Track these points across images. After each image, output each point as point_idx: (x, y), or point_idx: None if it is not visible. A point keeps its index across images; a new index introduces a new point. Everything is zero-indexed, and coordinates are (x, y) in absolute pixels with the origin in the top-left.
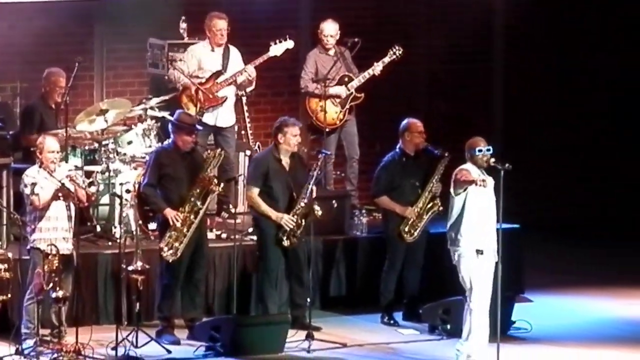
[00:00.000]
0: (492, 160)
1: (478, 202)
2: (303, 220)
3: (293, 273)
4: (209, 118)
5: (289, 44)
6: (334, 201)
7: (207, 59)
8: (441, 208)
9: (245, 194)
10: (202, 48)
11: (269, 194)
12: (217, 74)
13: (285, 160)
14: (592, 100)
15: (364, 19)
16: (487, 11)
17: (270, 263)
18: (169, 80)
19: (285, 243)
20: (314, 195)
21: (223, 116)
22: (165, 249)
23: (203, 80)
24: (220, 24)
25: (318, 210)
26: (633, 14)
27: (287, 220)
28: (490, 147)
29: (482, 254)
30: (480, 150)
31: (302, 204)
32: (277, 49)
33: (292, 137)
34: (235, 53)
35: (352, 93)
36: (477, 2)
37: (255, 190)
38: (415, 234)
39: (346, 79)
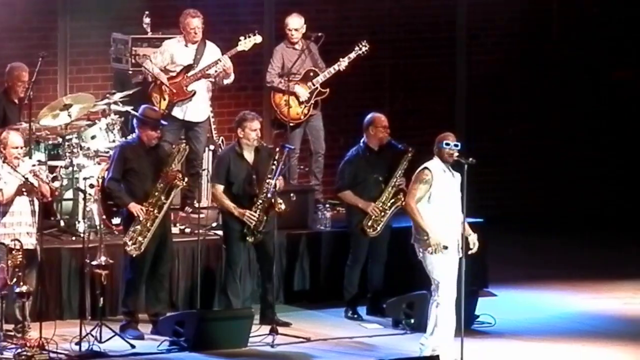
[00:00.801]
0: (456, 154)
1: (442, 197)
2: (265, 216)
3: (264, 269)
4: (177, 112)
5: (257, 38)
6: (292, 194)
7: (179, 53)
8: (404, 202)
9: (210, 191)
10: (177, 43)
11: (230, 190)
12: (188, 68)
13: (249, 156)
14: (555, 92)
15: (327, 13)
16: (450, 5)
17: (234, 257)
18: (139, 72)
19: (250, 239)
20: (278, 189)
21: (193, 111)
22: (129, 243)
23: (174, 74)
24: (194, 22)
25: (281, 204)
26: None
27: (248, 215)
28: (459, 143)
29: (446, 249)
30: (447, 144)
31: (263, 199)
32: (245, 43)
33: (250, 132)
34: (211, 48)
35: (317, 88)
36: None
37: (219, 187)
38: (379, 228)
39: (311, 74)
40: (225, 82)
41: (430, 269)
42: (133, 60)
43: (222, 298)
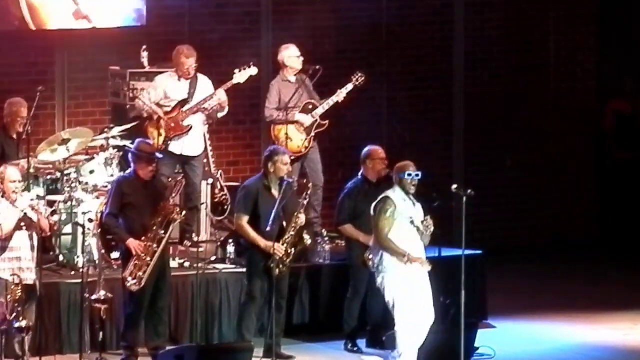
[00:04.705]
0: (454, 186)
1: (403, 225)
2: (292, 249)
3: (276, 302)
4: (175, 147)
5: (253, 71)
6: (317, 230)
7: (173, 88)
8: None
9: (235, 222)
10: (169, 78)
11: (257, 223)
12: (183, 102)
13: (275, 189)
14: (553, 123)
15: (324, 46)
16: (447, 37)
17: (254, 292)
18: (134, 108)
19: (275, 272)
20: (303, 223)
21: (190, 145)
22: (130, 278)
23: (169, 109)
24: (189, 62)
25: (308, 239)
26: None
27: (277, 248)
28: (419, 173)
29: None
30: (409, 175)
31: (292, 233)
32: (241, 76)
33: (282, 166)
34: (204, 81)
35: (316, 121)
36: (437, 28)
37: (245, 219)
38: None
39: (310, 107)
40: (220, 115)
41: (389, 296)
42: (131, 95)
43: (230, 332)
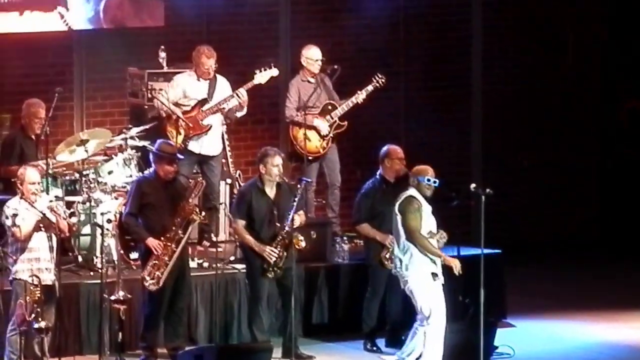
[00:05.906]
0: (473, 186)
1: (428, 224)
2: (285, 252)
3: (286, 303)
4: (194, 146)
5: (274, 71)
6: (312, 232)
7: (192, 87)
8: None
9: (232, 226)
10: (188, 77)
11: (251, 225)
12: (202, 102)
13: (270, 191)
14: (570, 122)
15: (343, 45)
16: (464, 37)
17: (257, 292)
18: (153, 107)
19: (270, 275)
20: (297, 225)
21: (209, 145)
22: (148, 278)
23: (188, 109)
24: (209, 62)
25: (301, 240)
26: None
27: (268, 252)
28: (437, 180)
29: (437, 277)
30: (428, 180)
31: (283, 235)
32: (262, 76)
33: (272, 167)
34: (222, 82)
35: (335, 121)
36: (455, 28)
37: (241, 222)
38: None
39: (329, 107)
40: (239, 115)
41: (421, 298)
42: (149, 95)
43: (248, 333)
